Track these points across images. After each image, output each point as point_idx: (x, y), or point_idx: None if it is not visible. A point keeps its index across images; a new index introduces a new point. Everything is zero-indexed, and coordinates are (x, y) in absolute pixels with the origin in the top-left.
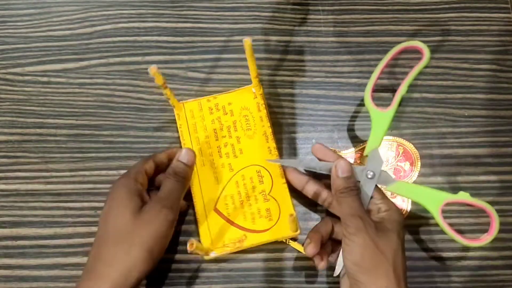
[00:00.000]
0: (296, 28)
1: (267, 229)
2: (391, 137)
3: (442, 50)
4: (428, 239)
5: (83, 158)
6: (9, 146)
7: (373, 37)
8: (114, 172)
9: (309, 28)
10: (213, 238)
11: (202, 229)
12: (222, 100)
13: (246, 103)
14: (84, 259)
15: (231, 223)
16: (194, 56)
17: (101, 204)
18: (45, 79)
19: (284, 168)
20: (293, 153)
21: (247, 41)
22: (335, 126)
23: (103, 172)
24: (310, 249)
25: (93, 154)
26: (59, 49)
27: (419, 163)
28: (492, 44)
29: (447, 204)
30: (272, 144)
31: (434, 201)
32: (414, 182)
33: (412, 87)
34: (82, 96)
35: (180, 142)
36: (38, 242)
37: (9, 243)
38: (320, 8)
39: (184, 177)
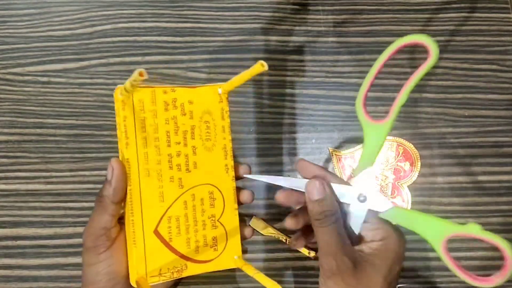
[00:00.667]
0: (296, 28)
1: (210, 260)
2: (391, 137)
3: (442, 50)
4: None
5: (83, 158)
6: (9, 146)
7: (373, 37)
8: None
9: (309, 28)
10: (148, 263)
11: (137, 252)
12: (182, 95)
13: (210, 106)
14: None
15: (172, 249)
16: (194, 56)
17: None
18: (45, 79)
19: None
20: (293, 153)
21: (264, 65)
22: (335, 126)
23: (103, 172)
24: (289, 222)
25: (93, 154)
26: (59, 49)
27: (419, 163)
28: (492, 44)
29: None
30: (230, 162)
31: (437, 233)
32: (414, 183)
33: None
34: (82, 96)
35: (119, 142)
36: (38, 242)
37: (9, 243)
38: (320, 8)
39: (101, 196)
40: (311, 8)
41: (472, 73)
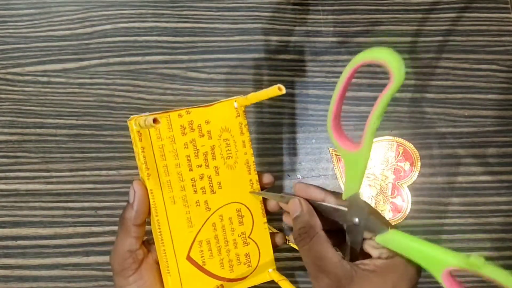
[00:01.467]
0: (297, 28)
1: (246, 277)
2: (391, 137)
3: (442, 50)
4: (428, 240)
5: (83, 158)
6: (9, 146)
7: (374, 37)
8: (114, 172)
9: (309, 28)
10: None
11: (172, 281)
12: (198, 116)
13: (227, 122)
14: (84, 259)
15: (207, 272)
16: (194, 56)
17: (102, 204)
18: (45, 79)
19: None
20: (293, 153)
21: (281, 89)
22: None
23: (103, 172)
24: (286, 218)
25: (93, 154)
26: (59, 49)
27: (419, 163)
28: (492, 44)
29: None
30: (255, 177)
31: (436, 264)
32: (414, 183)
33: (412, 87)
34: (82, 96)
35: (140, 171)
36: (38, 242)
37: (9, 243)
38: (320, 8)
39: (124, 218)
40: (311, 8)
41: (472, 73)
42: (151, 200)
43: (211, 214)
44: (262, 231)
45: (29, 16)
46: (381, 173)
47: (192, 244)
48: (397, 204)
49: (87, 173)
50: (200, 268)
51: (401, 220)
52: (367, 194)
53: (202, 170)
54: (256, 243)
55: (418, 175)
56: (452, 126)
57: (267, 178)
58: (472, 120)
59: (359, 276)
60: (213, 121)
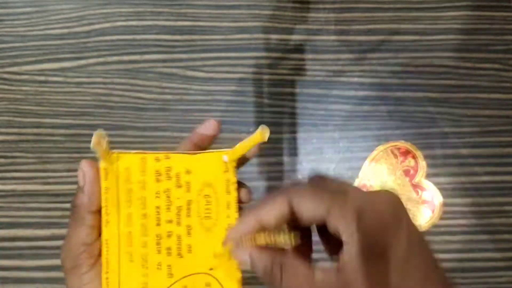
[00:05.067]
0: (297, 26)
1: None
2: (381, 147)
3: (444, 49)
4: (430, 240)
5: (81, 158)
6: (6, 146)
7: (375, 35)
8: None
9: (310, 26)
10: None
11: None
12: (178, 163)
13: (212, 177)
14: None
15: None
16: (193, 54)
17: None
18: (42, 78)
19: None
20: (294, 153)
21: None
22: (336, 126)
23: None
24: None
25: (91, 154)
26: (56, 48)
27: (419, 152)
28: (494, 43)
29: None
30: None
31: None
32: (418, 182)
33: (414, 86)
34: (79, 96)
35: (103, 217)
36: (35, 244)
37: (6, 244)
38: (321, 6)
39: (75, 206)
40: (311, 6)
41: (475, 72)
42: (103, 251)
43: (173, 283)
44: None
45: (26, 15)
46: (396, 183)
47: None
48: (427, 199)
49: None
50: None
51: (443, 208)
52: None
53: (171, 227)
54: None
55: (421, 176)
56: (454, 125)
57: (244, 194)
58: (475, 120)
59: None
60: (195, 172)
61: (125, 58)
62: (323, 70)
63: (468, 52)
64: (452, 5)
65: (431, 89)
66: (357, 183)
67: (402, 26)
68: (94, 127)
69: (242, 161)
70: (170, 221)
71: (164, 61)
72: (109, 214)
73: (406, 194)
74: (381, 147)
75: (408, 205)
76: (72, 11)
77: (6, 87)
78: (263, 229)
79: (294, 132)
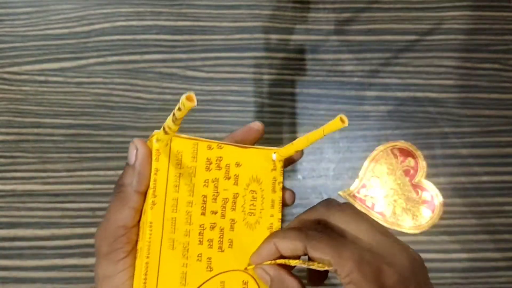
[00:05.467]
0: (297, 26)
1: None
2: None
3: (444, 49)
4: (429, 240)
5: (81, 158)
6: (6, 146)
7: (375, 35)
8: (112, 172)
9: (310, 26)
10: None
11: None
12: (229, 154)
13: (260, 172)
14: (82, 260)
15: None
16: (194, 54)
17: (99, 205)
18: (42, 78)
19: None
20: None
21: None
22: None
23: (101, 172)
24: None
25: (91, 154)
26: (56, 48)
27: (419, 152)
28: (494, 43)
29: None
30: None
31: None
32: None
33: (414, 86)
34: (79, 96)
35: (150, 199)
36: (35, 243)
37: (6, 244)
38: (321, 6)
39: (122, 185)
40: (312, 6)
41: (475, 72)
42: (146, 235)
43: (211, 277)
44: None
45: (26, 15)
46: (396, 183)
47: None
48: (427, 199)
49: (84, 173)
50: None
51: (443, 208)
52: (398, 211)
53: (216, 219)
54: None
55: (420, 176)
56: (454, 125)
57: (288, 197)
58: (474, 120)
59: None
60: (244, 165)
61: (125, 58)
62: (323, 70)
63: (468, 52)
64: (452, 5)
65: (431, 89)
66: (357, 183)
67: (402, 26)
68: (94, 127)
69: (289, 162)
70: (215, 213)
71: (164, 61)
72: (156, 197)
73: (406, 194)
74: (381, 147)
75: (408, 205)
76: (72, 11)
77: (6, 87)
78: (282, 257)
79: (294, 132)
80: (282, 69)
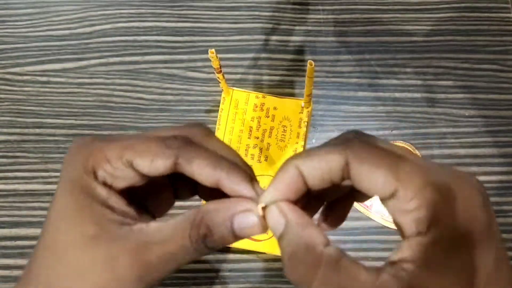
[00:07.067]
0: (296, 27)
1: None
2: (394, 142)
3: (442, 50)
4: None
5: None
6: (8, 146)
7: (374, 36)
8: None
9: (309, 27)
10: None
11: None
12: (270, 102)
13: (290, 114)
14: None
15: None
16: (194, 55)
17: None
18: (44, 79)
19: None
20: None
21: (310, 63)
22: (335, 126)
23: None
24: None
25: None
26: (58, 49)
27: (418, 152)
28: (492, 44)
29: None
30: None
31: None
32: None
33: (412, 87)
34: (81, 96)
35: (215, 126)
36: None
37: (8, 243)
38: (320, 7)
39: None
40: (311, 7)
41: (473, 73)
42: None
43: None
44: None
45: (28, 16)
46: None
47: None
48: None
49: None
50: None
51: None
52: None
53: (257, 142)
54: None
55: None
56: (452, 126)
57: None
58: (472, 120)
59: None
60: (280, 109)
61: (126, 59)
62: (322, 71)
63: (466, 53)
64: (450, 6)
65: (429, 90)
66: None
67: (401, 27)
68: (96, 127)
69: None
70: (257, 138)
71: (165, 62)
72: (220, 125)
73: None
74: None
75: None
76: (73, 12)
77: (8, 87)
78: (304, 186)
79: None
80: (282, 70)
